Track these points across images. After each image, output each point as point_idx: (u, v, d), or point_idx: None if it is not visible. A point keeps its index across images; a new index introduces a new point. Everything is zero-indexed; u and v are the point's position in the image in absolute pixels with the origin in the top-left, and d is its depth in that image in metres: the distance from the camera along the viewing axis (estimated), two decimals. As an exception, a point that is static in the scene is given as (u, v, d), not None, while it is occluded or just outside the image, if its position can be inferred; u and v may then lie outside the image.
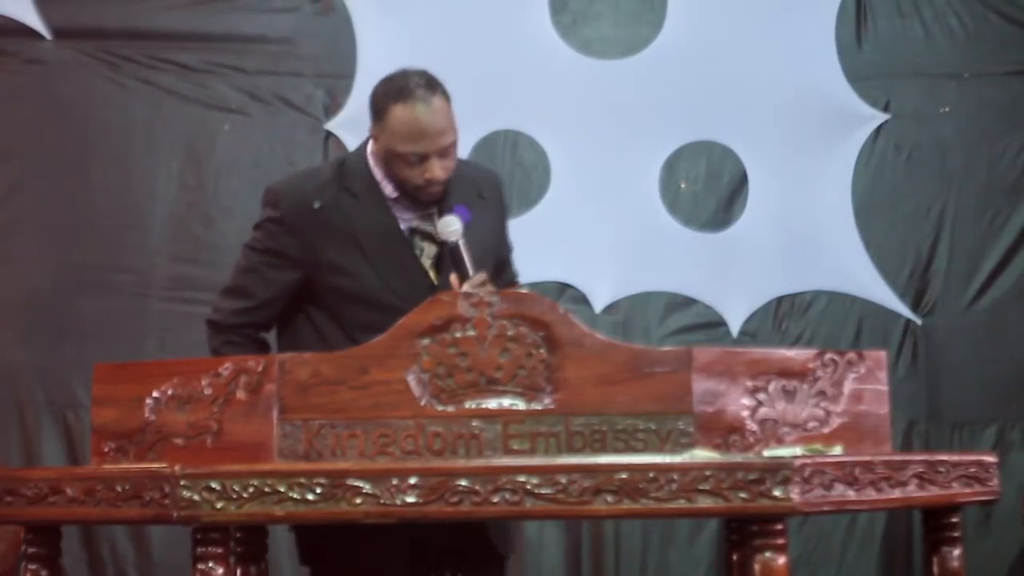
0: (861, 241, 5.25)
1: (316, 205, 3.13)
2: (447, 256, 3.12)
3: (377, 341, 2.46)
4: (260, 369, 2.43)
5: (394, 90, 3.07)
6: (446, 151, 3.07)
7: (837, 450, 2.41)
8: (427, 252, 3.17)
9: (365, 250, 3.13)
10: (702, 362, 2.41)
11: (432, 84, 3.07)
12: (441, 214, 3.14)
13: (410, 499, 2.27)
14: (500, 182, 3.42)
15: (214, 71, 5.22)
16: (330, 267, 3.14)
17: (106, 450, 2.51)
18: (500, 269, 3.32)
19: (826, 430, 2.43)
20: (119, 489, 2.35)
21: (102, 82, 5.18)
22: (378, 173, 3.16)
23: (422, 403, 2.41)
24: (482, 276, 3.01)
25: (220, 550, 2.35)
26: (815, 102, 5.28)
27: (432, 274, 3.15)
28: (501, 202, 3.38)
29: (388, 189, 3.16)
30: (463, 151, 5.09)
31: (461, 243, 3.05)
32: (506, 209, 3.44)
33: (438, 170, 3.06)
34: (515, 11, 5.31)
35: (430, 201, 3.12)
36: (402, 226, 3.16)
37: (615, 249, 5.19)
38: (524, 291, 2.49)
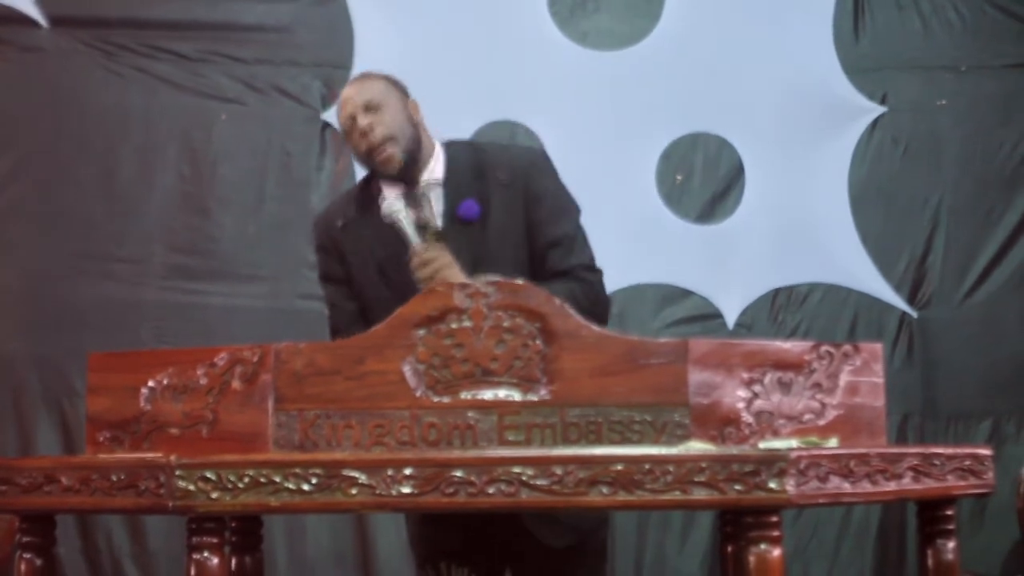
0: (857, 233, 5.25)
1: (339, 224, 3.24)
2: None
3: (373, 331, 2.46)
4: (256, 359, 2.43)
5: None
6: (372, 106, 3.15)
7: (833, 442, 2.41)
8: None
9: (374, 253, 3.17)
10: (698, 354, 2.41)
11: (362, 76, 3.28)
12: (448, 207, 3.15)
13: (405, 490, 2.27)
14: (535, 161, 3.28)
15: (211, 60, 5.22)
16: (356, 281, 3.20)
17: (101, 439, 2.51)
18: (544, 254, 3.18)
19: (822, 422, 2.43)
20: (114, 478, 2.34)
21: (98, 70, 5.17)
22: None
23: (418, 394, 2.41)
24: (419, 248, 3.03)
25: (215, 540, 2.35)
26: (812, 94, 5.28)
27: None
28: (532, 184, 3.20)
29: (377, 186, 3.22)
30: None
31: (400, 221, 3.07)
32: (540, 192, 3.21)
33: (366, 125, 3.13)
34: (513, 1, 5.30)
35: (386, 167, 3.15)
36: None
37: (611, 240, 5.18)
38: (520, 282, 2.48)
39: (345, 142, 3.27)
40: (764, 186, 5.27)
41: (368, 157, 3.16)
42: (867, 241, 5.25)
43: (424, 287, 2.90)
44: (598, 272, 3.26)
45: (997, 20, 5.35)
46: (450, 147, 3.26)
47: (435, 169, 3.21)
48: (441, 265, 3.00)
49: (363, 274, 3.18)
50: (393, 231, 3.10)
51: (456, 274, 2.96)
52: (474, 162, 3.22)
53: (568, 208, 3.26)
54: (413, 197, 3.15)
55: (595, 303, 3.13)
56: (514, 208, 3.17)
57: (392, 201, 3.09)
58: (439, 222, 3.13)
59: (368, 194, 3.24)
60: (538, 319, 2.42)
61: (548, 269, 3.15)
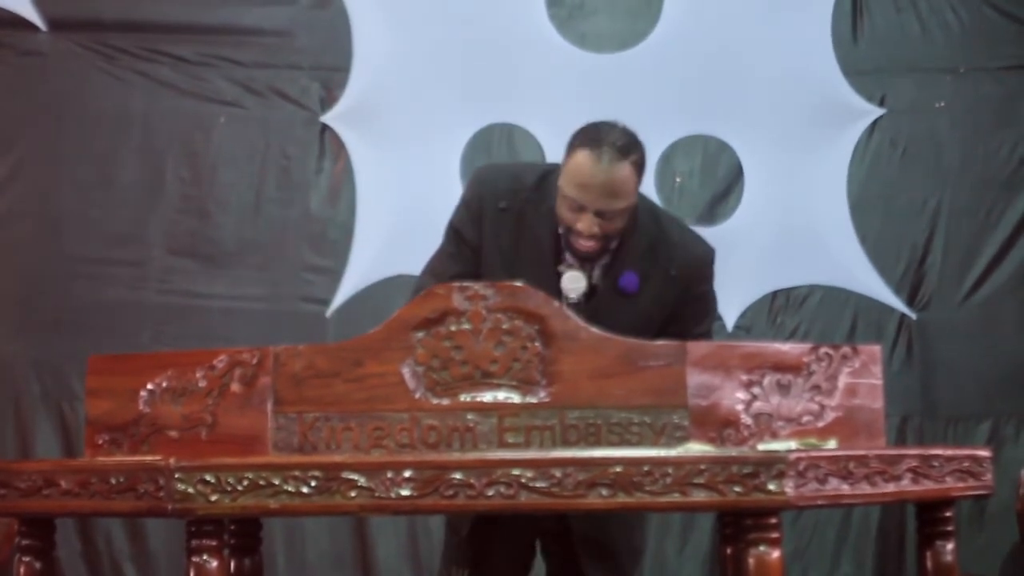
0: (856, 235, 5.25)
1: (502, 205, 3.17)
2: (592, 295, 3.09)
3: (372, 334, 2.46)
4: (255, 362, 2.43)
5: (589, 136, 3.10)
6: (608, 215, 3.03)
7: (831, 444, 2.41)
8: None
9: (516, 258, 3.13)
10: (696, 356, 2.41)
11: (626, 150, 3.07)
12: (611, 271, 3.12)
13: (405, 492, 2.27)
14: (705, 265, 3.25)
15: (210, 63, 5.22)
16: (484, 263, 3.16)
17: (100, 442, 2.51)
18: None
19: (820, 424, 2.43)
20: (113, 482, 2.35)
21: (98, 74, 5.17)
22: None
23: (417, 396, 2.41)
24: None
25: (215, 543, 2.35)
26: (811, 96, 5.27)
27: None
28: (693, 286, 3.21)
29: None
30: (458, 142, 5.15)
31: (573, 302, 2.97)
32: (698, 294, 3.23)
33: (590, 225, 3.02)
34: (511, 4, 5.30)
35: (581, 253, 3.07)
36: (565, 256, 3.13)
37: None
38: (518, 284, 2.48)
39: (556, 194, 3.09)
40: (763, 188, 5.27)
41: (570, 231, 3.06)
42: (866, 243, 5.25)
43: None
44: None
45: (995, 22, 5.34)
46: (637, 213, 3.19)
47: None
48: None
49: (492, 256, 3.15)
50: (544, 234, 3.10)
51: None
52: (651, 240, 3.17)
53: (713, 310, 3.32)
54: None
55: None
56: (667, 298, 3.16)
57: (575, 275, 3.05)
58: (598, 279, 3.11)
59: (542, 191, 3.17)
60: (537, 321, 2.43)
61: None
